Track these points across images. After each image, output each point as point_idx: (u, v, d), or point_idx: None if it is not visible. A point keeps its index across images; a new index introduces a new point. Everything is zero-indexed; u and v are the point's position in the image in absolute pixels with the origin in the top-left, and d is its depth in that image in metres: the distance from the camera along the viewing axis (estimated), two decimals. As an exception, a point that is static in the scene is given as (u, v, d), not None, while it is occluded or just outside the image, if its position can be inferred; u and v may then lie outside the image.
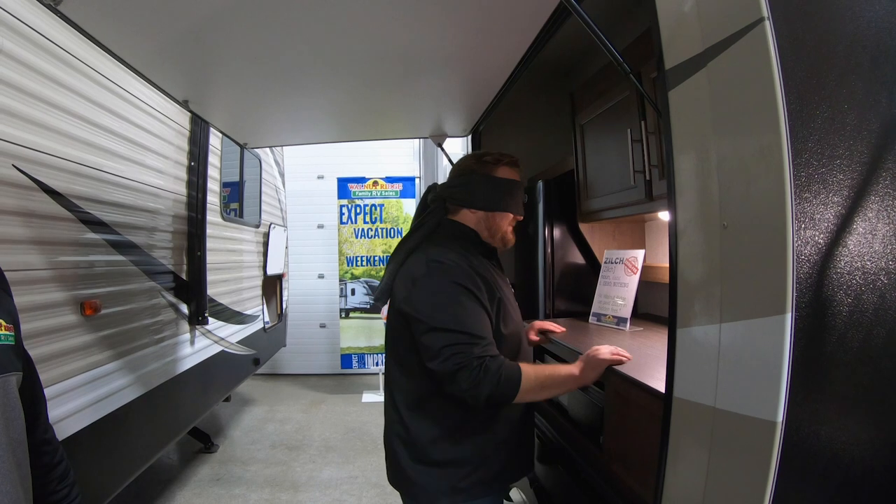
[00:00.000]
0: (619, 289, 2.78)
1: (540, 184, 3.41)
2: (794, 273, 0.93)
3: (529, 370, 1.78)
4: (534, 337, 2.41)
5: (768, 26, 0.95)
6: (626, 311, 2.67)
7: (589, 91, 2.87)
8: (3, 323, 1.18)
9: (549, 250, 3.37)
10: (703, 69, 1.09)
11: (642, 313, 3.01)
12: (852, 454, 1.03)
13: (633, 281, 2.71)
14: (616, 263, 2.88)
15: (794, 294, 0.93)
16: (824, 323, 0.98)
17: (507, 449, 1.91)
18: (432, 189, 2.13)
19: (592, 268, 3.32)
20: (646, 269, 2.79)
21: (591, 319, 2.89)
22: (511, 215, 2.04)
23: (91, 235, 2.87)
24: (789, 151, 0.94)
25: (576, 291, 3.35)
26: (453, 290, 1.82)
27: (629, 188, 2.40)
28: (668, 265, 1.25)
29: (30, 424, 1.25)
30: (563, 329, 2.42)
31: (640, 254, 2.76)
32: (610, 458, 1.88)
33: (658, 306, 3.00)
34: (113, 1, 1.82)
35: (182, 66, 2.42)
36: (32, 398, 1.30)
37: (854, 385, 1.03)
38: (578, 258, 3.39)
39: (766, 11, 0.95)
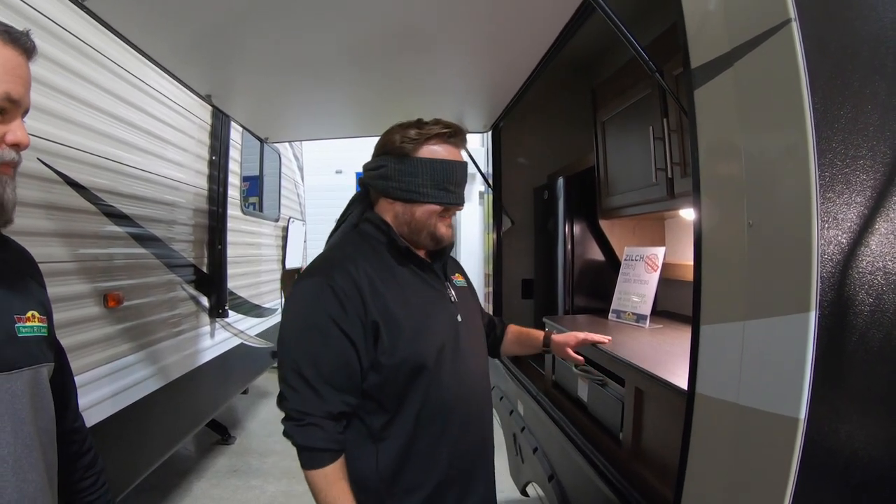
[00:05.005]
0: (639, 286, 2.78)
1: (560, 180, 3.43)
2: (819, 272, 0.94)
3: (338, 472, 1.52)
4: (574, 355, 2.02)
5: (795, 28, 0.96)
6: (646, 309, 2.67)
7: (611, 88, 2.87)
8: (37, 315, 1.20)
9: (568, 247, 3.38)
10: (730, 69, 1.10)
11: (662, 311, 3.00)
12: (871, 453, 1.03)
13: (654, 278, 2.71)
14: (636, 261, 2.89)
15: (818, 292, 0.94)
16: (846, 322, 0.99)
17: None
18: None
19: (612, 265, 3.32)
20: (666, 267, 2.78)
21: (611, 316, 2.90)
22: (437, 207, 1.64)
23: (114, 228, 2.92)
24: (815, 151, 0.95)
25: (595, 288, 3.36)
26: (312, 320, 1.54)
27: (651, 185, 2.40)
28: (688, 263, 1.26)
29: (59, 413, 1.27)
30: (609, 339, 2.04)
31: (660, 251, 2.76)
32: (629, 454, 1.89)
33: (678, 304, 2.99)
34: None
35: (205, 61, 2.46)
36: (63, 387, 1.33)
37: (874, 384, 1.03)
38: (598, 255, 3.40)
39: (793, 13, 0.96)
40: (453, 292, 1.76)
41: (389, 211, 1.68)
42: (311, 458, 1.51)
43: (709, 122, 1.19)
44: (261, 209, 5.54)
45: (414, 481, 1.60)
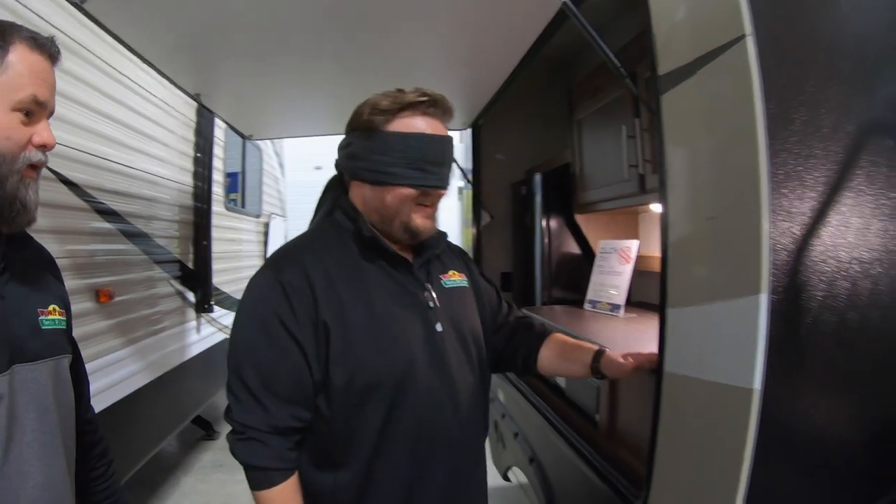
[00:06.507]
0: (614, 277, 2.89)
1: (538, 176, 3.52)
2: (770, 259, 1.02)
3: (287, 494, 1.33)
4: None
5: (750, 42, 1.04)
6: (620, 299, 2.78)
7: (586, 88, 2.94)
8: (58, 308, 1.24)
9: (546, 240, 3.47)
10: (693, 76, 1.17)
11: (635, 301, 3.07)
12: (829, 429, 1.12)
13: (627, 270, 2.82)
14: (610, 253, 2.99)
15: (770, 277, 1.02)
16: (799, 305, 1.06)
17: None
18: None
19: (587, 257, 3.41)
20: (640, 259, 2.88)
21: (587, 306, 3.00)
22: (410, 191, 1.37)
23: (104, 225, 2.97)
24: (767, 152, 1.03)
25: (572, 280, 3.45)
26: (257, 320, 1.35)
27: (623, 181, 2.47)
28: (659, 255, 1.35)
29: (74, 404, 1.30)
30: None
31: (633, 244, 2.87)
32: (605, 434, 1.97)
33: (651, 294, 3.06)
34: (135, 1, 1.93)
35: (195, 62, 2.53)
36: (77, 379, 1.34)
37: (830, 363, 1.11)
38: (574, 248, 3.50)
39: (748, 28, 1.04)
40: (434, 296, 1.48)
41: (359, 196, 1.45)
42: (254, 477, 1.33)
43: (674, 124, 1.26)
44: (243, 205, 5.58)
45: None
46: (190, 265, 4.09)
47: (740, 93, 1.06)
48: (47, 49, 1.14)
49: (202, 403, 4.55)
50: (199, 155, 4.17)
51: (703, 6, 1.18)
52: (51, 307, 1.23)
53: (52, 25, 2.50)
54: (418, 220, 1.40)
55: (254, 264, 5.89)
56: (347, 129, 1.47)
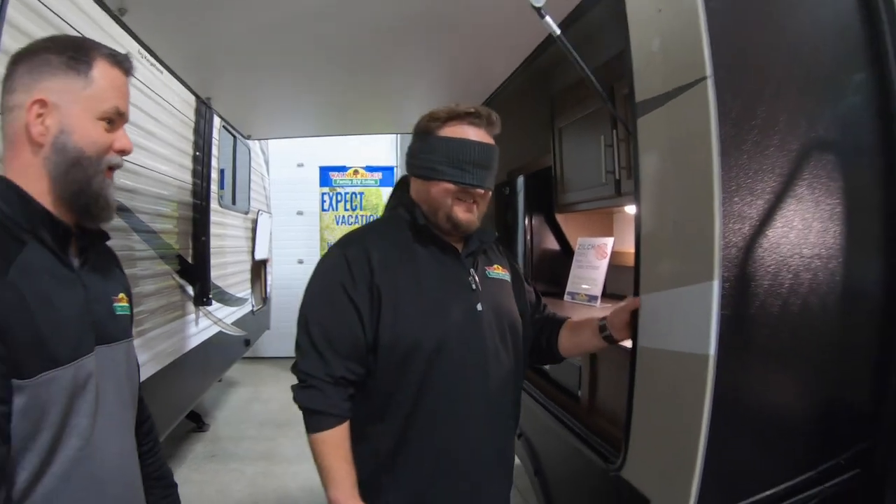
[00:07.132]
0: (591, 271, 3.11)
1: (521, 178, 3.72)
2: (721, 253, 1.23)
3: (337, 439, 1.52)
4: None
5: (710, 83, 1.24)
6: (597, 291, 3.01)
7: (567, 98, 3.07)
8: (125, 297, 1.37)
9: (528, 237, 3.68)
10: (664, 106, 1.37)
11: (610, 293, 3.23)
12: (774, 391, 1.33)
13: (603, 264, 3.05)
14: (588, 249, 3.21)
15: (721, 268, 1.23)
16: (748, 291, 1.27)
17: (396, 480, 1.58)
18: None
19: (566, 253, 3.61)
20: (614, 255, 3.07)
21: (567, 297, 3.23)
22: (450, 186, 1.58)
23: (118, 221, 3.06)
24: (720, 169, 1.23)
25: (552, 273, 3.65)
26: (323, 286, 1.60)
27: (601, 185, 2.62)
28: (632, 251, 1.56)
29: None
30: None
31: (609, 241, 3.09)
32: (587, 407, 2.15)
33: (624, 287, 3.17)
34: (167, 17, 2.13)
35: (208, 69, 2.75)
36: None
37: (776, 341, 1.31)
38: (554, 244, 3.71)
39: (709, 71, 1.24)
40: (477, 280, 1.67)
41: (414, 190, 1.68)
42: (310, 420, 1.53)
43: (647, 144, 1.47)
44: (234, 202, 5.66)
45: (408, 480, 1.56)
46: (189, 260, 4.18)
47: (700, 122, 1.26)
48: (124, 65, 1.26)
49: (201, 394, 4.66)
50: (198, 153, 4.24)
51: (673, 52, 1.38)
52: (120, 295, 1.35)
53: (58, 15, 2.41)
54: (460, 213, 1.61)
55: (244, 259, 6.01)
56: (412, 133, 1.70)
